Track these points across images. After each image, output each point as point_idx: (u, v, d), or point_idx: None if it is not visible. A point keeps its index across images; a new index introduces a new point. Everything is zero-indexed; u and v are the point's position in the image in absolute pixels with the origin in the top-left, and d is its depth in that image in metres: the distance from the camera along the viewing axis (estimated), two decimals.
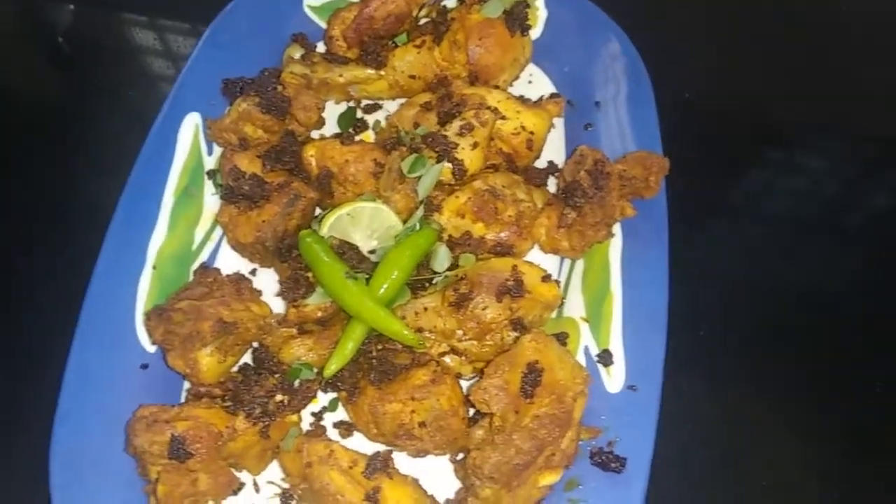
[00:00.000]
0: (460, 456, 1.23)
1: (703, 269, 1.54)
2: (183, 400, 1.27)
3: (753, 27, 1.92)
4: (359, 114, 1.60)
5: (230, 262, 1.42)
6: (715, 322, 1.50)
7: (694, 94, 1.78)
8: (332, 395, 1.30)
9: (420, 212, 1.31)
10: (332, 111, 1.59)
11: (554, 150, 1.55)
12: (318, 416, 1.29)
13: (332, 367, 1.20)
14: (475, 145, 1.35)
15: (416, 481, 1.18)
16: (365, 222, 1.30)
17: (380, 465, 1.11)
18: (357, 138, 1.54)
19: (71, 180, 1.68)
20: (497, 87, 1.49)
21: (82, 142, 1.73)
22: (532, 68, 1.64)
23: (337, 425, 1.28)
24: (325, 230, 1.28)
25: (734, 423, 1.42)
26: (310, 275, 1.29)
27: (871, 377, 1.47)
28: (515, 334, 1.23)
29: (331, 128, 1.57)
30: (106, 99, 1.79)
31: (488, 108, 1.39)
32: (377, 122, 1.58)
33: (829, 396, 1.46)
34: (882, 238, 1.67)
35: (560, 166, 1.52)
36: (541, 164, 1.52)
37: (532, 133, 1.41)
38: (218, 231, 1.44)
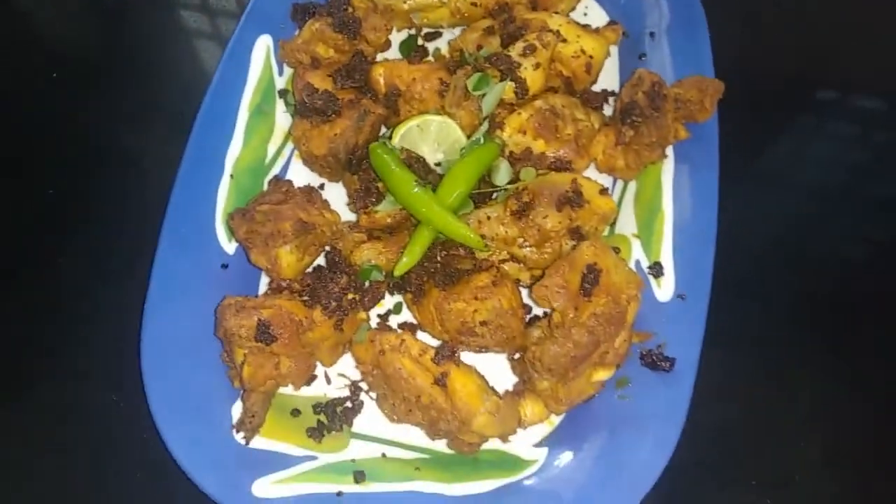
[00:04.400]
0: (517, 355, 1.32)
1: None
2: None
3: None
4: (419, 41, 1.66)
5: (300, 176, 1.50)
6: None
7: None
8: (396, 298, 1.40)
9: (484, 127, 1.38)
10: (394, 39, 1.65)
11: (608, 79, 1.60)
12: (383, 317, 1.39)
13: (402, 266, 1.29)
14: (537, 66, 1.41)
15: (478, 372, 1.28)
16: (432, 136, 1.37)
17: (447, 353, 1.20)
18: None
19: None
20: (557, 13, 1.54)
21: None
22: (587, 0, 1.69)
23: (401, 326, 1.38)
24: (395, 140, 1.35)
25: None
26: (380, 184, 1.37)
27: None
28: (573, 243, 1.30)
29: (393, 54, 1.63)
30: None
31: (550, 31, 1.44)
32: (437, 49, 1.64)
33: None
34: None
35: (615, 93, 1.58)
36: (596, 91, 1.57)
37: (591, 57, 1.47)
38: (288, 147, 1.52)
